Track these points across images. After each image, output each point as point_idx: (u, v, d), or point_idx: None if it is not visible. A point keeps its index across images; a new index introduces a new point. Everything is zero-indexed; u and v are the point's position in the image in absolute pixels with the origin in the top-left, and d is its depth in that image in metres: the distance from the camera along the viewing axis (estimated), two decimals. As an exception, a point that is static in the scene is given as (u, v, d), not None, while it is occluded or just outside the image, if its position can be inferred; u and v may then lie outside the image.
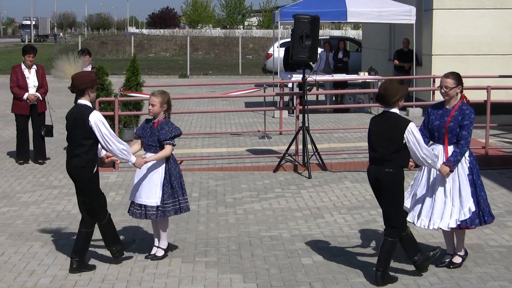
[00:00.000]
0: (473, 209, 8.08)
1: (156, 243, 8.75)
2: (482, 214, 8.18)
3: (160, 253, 8.66)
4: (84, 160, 8.12)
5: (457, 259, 8.37)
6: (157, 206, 8.46)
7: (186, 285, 7.82)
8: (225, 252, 8.91)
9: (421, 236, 9.42)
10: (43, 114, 14.53)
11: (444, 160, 8.09)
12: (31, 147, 14.71)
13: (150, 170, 8.48)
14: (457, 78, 8.21)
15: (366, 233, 9.68)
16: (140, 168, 8.47)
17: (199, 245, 9.17)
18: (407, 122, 7.73)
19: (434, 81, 18.45)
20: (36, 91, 14.31)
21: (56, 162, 14.59)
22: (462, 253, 8.42)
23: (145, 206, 8.49)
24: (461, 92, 8.27)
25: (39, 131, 14.42)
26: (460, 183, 8.13)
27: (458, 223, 8.10)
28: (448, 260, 8.42)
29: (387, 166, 7.75)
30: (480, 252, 8.81)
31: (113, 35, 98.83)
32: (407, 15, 20.50)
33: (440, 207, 8.17)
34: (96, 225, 8.40)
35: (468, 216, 8.08)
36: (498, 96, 17.25)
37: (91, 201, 8.27)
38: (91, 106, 8.19)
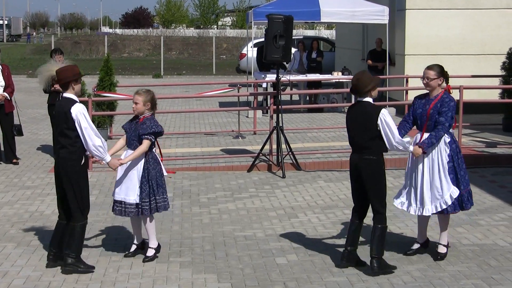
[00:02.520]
0: (454, 195, 8.29)
1: (136, 240, 8.73)
2: (461, 200, 8.41)
3: (151, 252, 8.62)
4: (71, 152, 8.05)
5: (442, 249, 8.56)
6: (136, 204, 8.43)
7: (161, 285, 7.81)
8: (200, 252, 8.91)
9: (395, 235, 9.47)
10: (11, 114, 14.43)
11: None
12: (1, 147, 14.63)
13: (129, 167, 8.46)
14: (440, 70, 8.49)
15: (340, 232, 9.71)
16: (114, 169, 8.45)
17: (173, 245, 9.16)
18: (379, 109, 7.97)
19: (407, 81, 18.58)
20: (3, 91, 14.20)
21: (29, 163, 14.50)
22: (446, 242, 8.59)
23: (124, 202, 8.47)
24: (446, 82, 8.53)
25: (9, 131, 14.33)
26: (440, 170, 8.32)
27: (439, 209, 8.33)
28: (415, 248, 8.65)
29: (366, 153, 7.99)
30: (453, 251, 8.87)
31: (86, 35, 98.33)
32: (380, 15, 20.61)
33: (420, 193, 8.43)
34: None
35: (450, 203, 8.31)
36: (470, 96, 17.37)
37: (76, 196, 8.11)
38: (75, 99, 8.15)
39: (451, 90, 8.59)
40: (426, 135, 8.39)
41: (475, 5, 20.79)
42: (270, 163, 13.95)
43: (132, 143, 8.50)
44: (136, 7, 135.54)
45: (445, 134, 8.34)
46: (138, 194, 8.41)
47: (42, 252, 8.86)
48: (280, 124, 13.87)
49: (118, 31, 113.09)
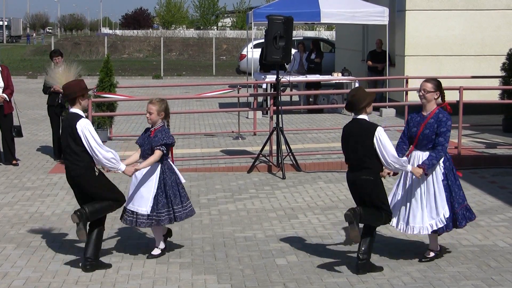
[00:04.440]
0: (447, 215, 8.25)
1: (159, 244, 8.80)
2: (456, 218, 8.36)
3: (157, 252, 8.67)
4: (81, 168, 8.11)
5: (428, 253, 8.54)
6: (148, 215, 8.45)
7: (161, 286, 7.81)
8: (200, 253, 8.91)
9: (394, 236, 9.47)
10: (10, 115, 14.42)
11: (415, 164, 8.28)
12: (0, 148, 14.64)
13: (145, 178, 8.49)
14: (437, 84, 8.39)
15: (340, 233, 9.71)
16: (130, 176, 8.48)
17: (173, 246, 9.16)
18: (375, 127, 7.91)
19: (407, 82, 18.56)
20: (2, 92, 14.19)
21: (29, 164, 14.50)
22: (436, 248, 8.58)
23: (136, 213, 8.48)
24: (442, 98, 8.41)
25: (8, 132, 14.34)
26: (435, 189, 8.28)
27: (435, 228, 8.29)
28: (430, 255, 8.61)
29: (363, 173, 7.96)
30: (453, 252, 8.87)
31: (86, 36, 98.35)
32: (380, 16, 20.62)
33: (415, 212, 8.37)
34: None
35: (444, 223, 8.27)
36: (470, 97, 17.37)
37: (106, 194, 8.27)
38: (81, 114, 8.20)
39: (449, 108, 8.51)
40: (419, 153, 8.31)
41: (475, 6, 20.79)
42: (270, 164, 13.94)
43: (145, 156, 8.53)
44: (136, 8, 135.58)
45: None
46: (150, 205, 8.43)
47: (42, 253, 8.86)
48: (280, 125, 13.86)
49: (118, 32, 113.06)
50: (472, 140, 16.16)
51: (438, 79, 8.54)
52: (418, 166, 8.22)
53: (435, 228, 8.30)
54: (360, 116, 8.02)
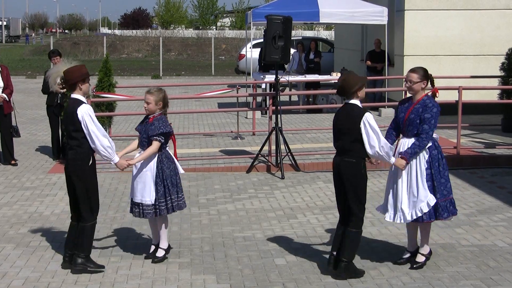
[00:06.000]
0: (432, 203, 8.06)
1: (154, 241, 8.72)
2: (436, 208, 8.13)
3: (161, 253, 8.60)
4: (78, 153, 8.05)
5: (420, 258, 8.33)
6: (153, 204, 8.39)
7: (160, 286, 7.80)
8: (199, 253, 8.90)
9: (394, 236, 9.48)
10: (9, 115, 14.42)
11: (400, 151, 8.15)
12: (-1, 148, 14.67)
13: (142, 168, 8.41)
14: (423, 73, 8.23)
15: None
16: (121, 170, 8.45)
17: (172, 246, 9.15)
18: (363, 112, 7.81)
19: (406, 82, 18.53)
20: (2, 92, 14.19)
21: (28, 164, 14.50)
22: (426, 251, 8.38)
23: (142, 204, 8.43)
24: (431, 84, 8.29)
25: (8, 132, 14.33)
26: (418, 176, 8.10)
27: (415, 217, 8.10)
28: (406, 256, 8.43)
29: (347, 155, 7.86)
30: (452, 252, 8.87)
31: (85, 36, 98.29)
32: (379, 16, 20.64)
33: (397, 200, 8.21)
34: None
35: (426, 210, 8.07)
36: (469, 97, 17.38)
37: (85, 196, 8.14)
38: (82, 99, 8.12)
39: (437, 93, 8.38)
40: (405, 140, 8.20)
41: (474, 6, 20.80)
42: (269, 164, 13.94)
43: (143, 144, 8.45)
44: (135, 8, 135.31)
45: None
46: (154, 194, 8.38)
47: (41, 253, 8.86)
48: (279, 125, 13.86)
49: (117, 32, 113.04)
50: (471, 140, 16.17)
51: (424, 67, 8.35)
52: (400, 155, 8.07)
53: (414, 217, 8.08)
54: (352, 101, 7.90)
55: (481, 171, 13.85)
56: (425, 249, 8.39)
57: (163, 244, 8.65)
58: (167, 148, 8.51)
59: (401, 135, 8.39)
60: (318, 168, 13.96)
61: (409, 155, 8.05)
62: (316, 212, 10.85)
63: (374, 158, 8.03)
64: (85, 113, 7.95)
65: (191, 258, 8.70)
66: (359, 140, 7.79)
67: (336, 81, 21.49)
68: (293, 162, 13.86)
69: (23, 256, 8.77)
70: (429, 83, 8.30)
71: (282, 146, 13.74)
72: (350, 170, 7.86)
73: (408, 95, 8.47)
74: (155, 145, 8.32)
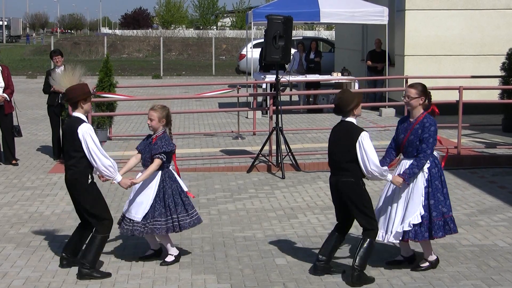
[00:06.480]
0: (415, 221, 7.95)
1: (152, 246, 8.69)
2: (432, 227, 8.02)
3: (170, 258, 8.53)
4: (76, 172, 8.03)
5: (424, 263, 8.27)
6: (143, 223, 8.33)
7: (160, 286, 7.81)
8: (199, 253, 8.91)
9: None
10: (10, 115, 14.43)
11: (400, 172, 8.08)
12: (0, 148, 14.64)
13: (144, 185, 8.38)
14: (421, 89, 8.15)
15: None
16: (126, 189, 8.42)
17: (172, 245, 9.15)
18: (359, 131, 7.75)
19: (406, 82, 18.54)
20: (3, 92, 14.19)
21: (28, 164, 14.50)
22: (432, 259, 8.30)
23: (133, 221, 8.39)
24: (429, 101, 8.17)
25: (9, 132, 14.34)
26: (410, 196, 8.04)
27: (407, 228, 7.98)
28: (398, 259, 8.38)
29: (345, 176, 7.80)
30: (452, 251, 8.87)
31: (86, 36, 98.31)
32: (379, 15, 20.64)
33: (388, 219, 8.15)
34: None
35: (406, 229, 7.97)
36: (470, 97, 17.38)
37: (90, 213, 8.12)
38: (83, 118, 8.09)
39: (436, 111, 8.28)
40: (406, 161, 8.12)
41: (474, 6, 20.80)
42: (270, 163, 13.94)
43: (146, 164, 8.44)
44: (135, 8, 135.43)
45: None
46: (144, 213, 8.31)
47: (41, 252, 8.86)
48: (280, 125, 13.87)
49: (118, 32, 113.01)
50: (472, 140, 16.17)
51: (423, 84, 8.27)
52: (399, 175, 8.02)
53: (406, 228, 7.96)
54: (348, 119, 7.86)
55: (481, 171, 13.85)
56: (431, 258, 8.31)
57: (173, 251, 8.58)
58: (170, 167, 8.52)
59: (401, 156, 8.34)
60: (319, 168, 13.96)
61: (407, 175, 7.99)
62: (316, 212, 10.85)
63: (369, 178, 7.95)
64: (86, 132, 7.93)
65: (192, 258, 8.70)
66: (355, 160, 7.74)
67: (336, 81, 21.56)
68: (294, 162, 13.86)
69: (23, 256, 8.78)
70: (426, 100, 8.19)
71: (283, 146, 13.74)
72: (350, 189, 7.80)
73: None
74: (156, 163, 8.31)
